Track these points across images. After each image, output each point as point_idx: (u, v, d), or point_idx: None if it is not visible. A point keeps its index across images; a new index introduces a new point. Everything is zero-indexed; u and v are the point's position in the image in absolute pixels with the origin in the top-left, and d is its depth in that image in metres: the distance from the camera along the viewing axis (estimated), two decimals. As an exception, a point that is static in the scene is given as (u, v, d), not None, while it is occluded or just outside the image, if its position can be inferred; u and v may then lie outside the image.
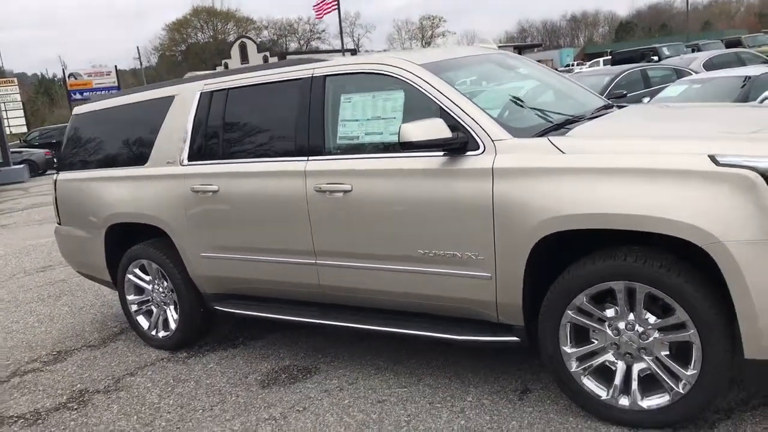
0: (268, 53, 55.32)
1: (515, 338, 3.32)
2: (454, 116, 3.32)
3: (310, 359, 4.32)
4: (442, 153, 3.35)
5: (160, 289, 4.75)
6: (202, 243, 4.31)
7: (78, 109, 5.33)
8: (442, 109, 3.38)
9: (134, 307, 4.94)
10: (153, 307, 4.88)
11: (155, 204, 4.49)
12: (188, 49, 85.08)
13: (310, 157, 3.80)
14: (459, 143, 3.26)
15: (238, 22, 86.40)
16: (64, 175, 5.24)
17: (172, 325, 4.72)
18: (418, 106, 3.51)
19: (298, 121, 3.87)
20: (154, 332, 4.85)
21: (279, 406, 3.72)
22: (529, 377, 3.67)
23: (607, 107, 4.07)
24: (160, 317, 4.84)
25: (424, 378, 3.84)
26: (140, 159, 4.68)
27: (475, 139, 3.25)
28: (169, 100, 4.58)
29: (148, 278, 4.81)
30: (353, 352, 4.32)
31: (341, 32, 36.40)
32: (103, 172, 4.91)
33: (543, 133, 3.28)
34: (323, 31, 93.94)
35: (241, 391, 3.98)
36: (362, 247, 3.62)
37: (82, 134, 5.20)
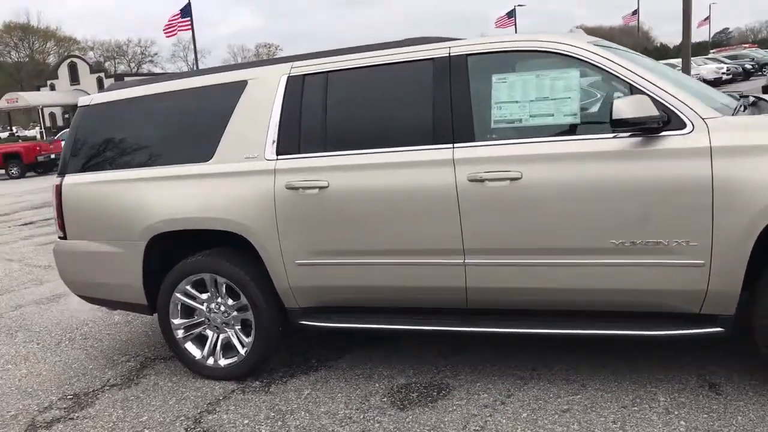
0: (103, 74, 51.58)
1: (719, 329, 3.14)
2: (651, 94, 3.11)
3: (425, 374, 3.85)
4: (629, 134, 3.12)
5: (222, 309, 4.02)
6: (299, 248, 3.70)
7: (88, 100, 4.42)
8: (634, 87, 3.16)
9: (180, 333, 4.13)
10: (208, 331, 4.12)
11: (231, 206, 3.80)
12: (0, 68, 77.07)
13: (457, 144, 3.39)
14: (660, 122, 3.05)
15: (60, 41, 79.91)
16: (73, 179, 4.31)
17: (241, 350, 4.00)
18: (597, 85, 3.28)
19: (436, 104, 3.45)
20: (210, 361, 4.08)
21: (450, 428, 3.23)
22: (697, 371, 3.52)
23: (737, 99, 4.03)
24: (219, 342, 4.08)
25: (586, 383, 3.54)
26: (200, 155, 3.95)
27: (679, 117, 3.07)
28: (239, 86, 3.93)
29: (204, 296, 4.05)
30: (469, 363, 3.93)
31: (195, 52, 34.79)
32: (139, 172, 4.08)
33: (734, 114, 3.18)
34: (155, 54, 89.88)
35: (379, 415, 3.43)
36: (535, 240, 3.28)
37: (98, 129, 4.32)
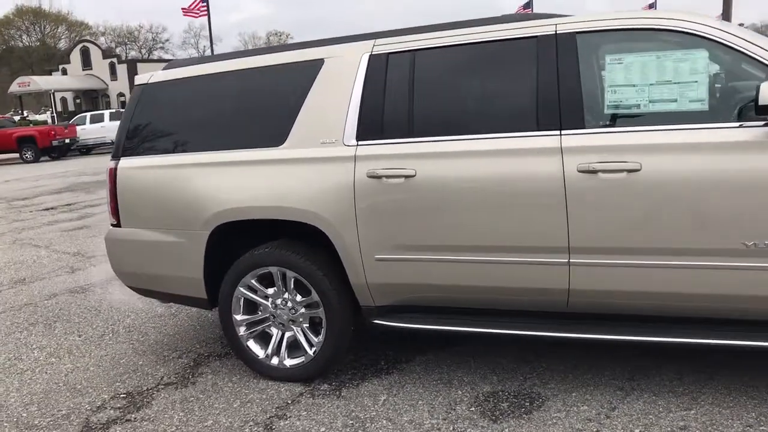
0: (115, 59, 51.31)
1: None
2: None
3: (511, 381, 3.56)
4: (763, 123, 2.80)
5: (289, 305, 3.72)
6: (379, 243, 3.40)
7: (146, 78, 4.11)
8: (775, 71, 2.83)
9: (242, 330, 3.84)
10: (273, 329, 3.82)
11: (306, 195, 3.49)
12: (11, 51, 76.88)
13: (565, 131, 3.08)
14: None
15: (71, 26, 79.68)
16: (129, 162, 4.01)
17: (309, 350, 3.71)
18: (727, 68, 2.96)
19: (541, 87, 3.14)
20: (274, 360, 3.79)
21: (556, 443, 2.93)
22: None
23: None
24: (284, 340, 3.79)
25: (696, 396, 3.24)
26: (271, 139, 3.65)
27: (829, 105, 2.73)
28: (315, 65, 3.61)
29: (270, 291, 3.75)
30: (557, 371, 3.63)
31: (211, 38, 34.43)
32: (203, 156, 3.78)
33: None
34: (167, 40, 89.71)
35: (470, 428, 3.14)
36: (652, 240, 2.96)
37: (158, 110, 4.01)
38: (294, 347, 3.80)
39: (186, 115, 3.92)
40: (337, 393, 3.61)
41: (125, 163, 4.01)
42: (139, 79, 4.12)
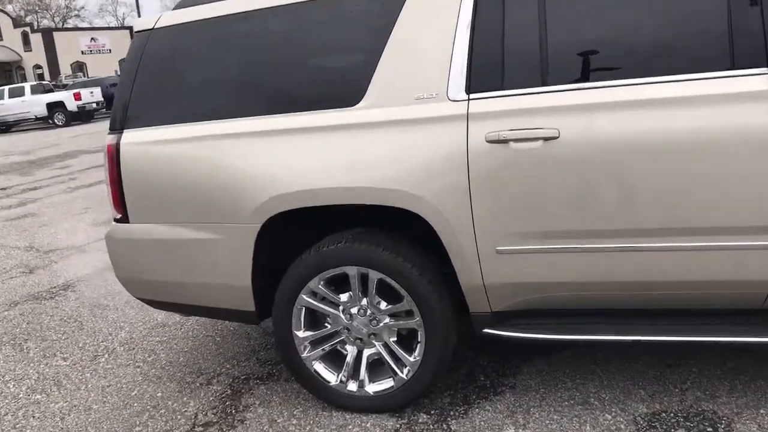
0: (28, 28, 47.65)
1: None
2: None
3: (668, 398, 2.83)
4: None
5: (370, 314, 2.84)
6: (504, 229, 2.54)
7: (150, 22, 3.06)
8: None
9: (306, 350, 2.93)
10: (347, 346, 2.93)
11: (399, 170, 2.59)
12: None
13: (770, 70, 2.27)
14: None
15: (-27, -7, 73.57)
16: (137, 136, 2.99)
17: (400, 371, 2.84)
18: None
19: (736, 10, 2.30)
20: (352, 386, 2.92)
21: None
22: None
23: None
24: (364, 360, 2.91)
25: None
26: (341, 96, 2.71)
27: None
28: (397, -7, 2.67)
29: (343, 297, 2.85)
30: (715, 378, 2.91)
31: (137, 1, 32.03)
32: (244, 124, 2.81)
33: None
34: (82, 8, 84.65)
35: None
36: None
37: (173, 65, 2.99)
38: (376, 369, 2.92)
39: (216, 69, 2.91)
40: (444, 425, 2.77)
41: (131, 137, 2.98)
42: (141, 24, 3.07)
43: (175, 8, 3.04)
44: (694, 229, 2.36)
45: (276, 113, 2.78)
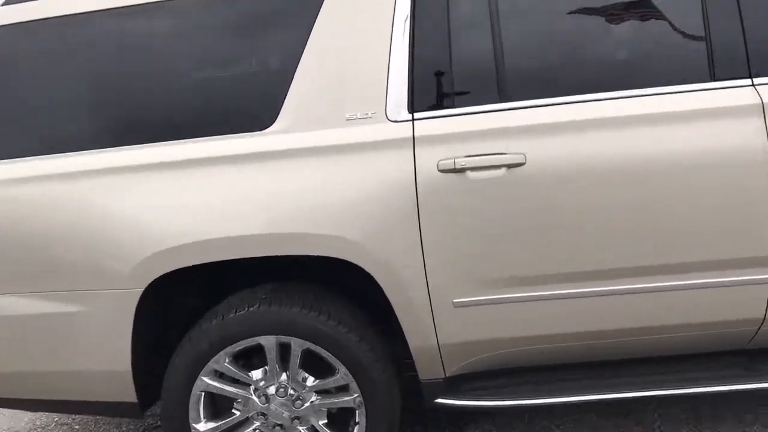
0: None
1: None
2: None
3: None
4: None
5: (291, 393, 2.24)
6: (463, 277, 2.07)
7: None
8: None
9: (207, 447, 2.26)
10: (262, 437, 2.30)
11: (328, 210, 2.05)
12: None
13: (760, 79, 2.01)
14: None
15: None
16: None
17: (333, 464, 2.26)
18: None
19: (712, 17, 2.03)
20: (271, 491, 2.28)
21: None
22: None
23: None
24: (283, 453, 2.30)
25: None
26: (246, 119, 2.12)
27: None
28: (312, -13, 2.14)
29: (256, 375, 2.23)
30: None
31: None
32: (114, 156, 2.12)
33: None
34: None
35: None
36: None
37: (7, 79, 2.22)
38: (299, 461, 2.30)
39: (72, 84, 2.19)
40: None
41: (-54, 178, 2.16)
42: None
43: (4, 4, 2.27)
44: (689, 265, 2.01)
45: (156, 141, 2.11)
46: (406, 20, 2.06)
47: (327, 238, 2.02)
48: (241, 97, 2.10)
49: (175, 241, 2.03)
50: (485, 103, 2.05)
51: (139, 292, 2.08)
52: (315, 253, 2.04)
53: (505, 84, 2.05)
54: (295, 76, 2.08)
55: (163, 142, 2.10)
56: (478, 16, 2.08)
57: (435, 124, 2.05)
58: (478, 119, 2.04)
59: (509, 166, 2.00)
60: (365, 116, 2.06)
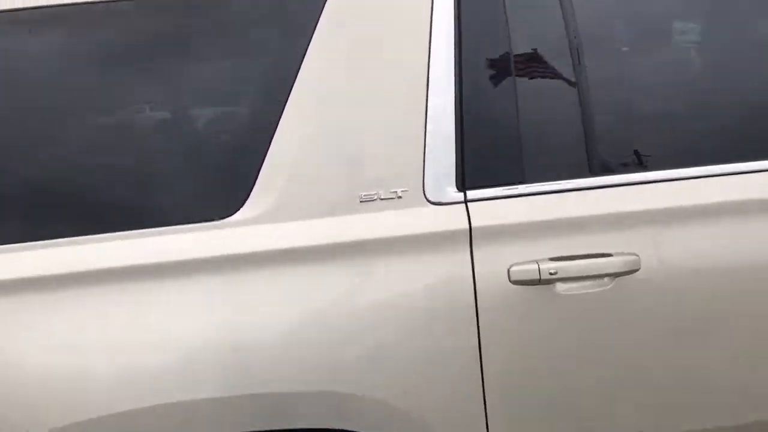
0: None
1: None
2: None
3: None
4: None
5: None
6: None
7: None
8: None
9: None
10: None
11: (339, 350, 1.24)
12: None
13: None
14: None
15: None
16: None
17: None
18: None
19: None
20: None
21: None
22: None
23: None
24: None
25: None
26: (197, 201, 1.29)
27: None
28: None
29: None
30: None
31: None
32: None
33: None
34: None
35: None
36: None
37: None
38: None
39: None
40: None
41: None
42: None
43: None
44: None
45: (42, 239, 1.24)
46: (445, 56, 1.31)
47: (334, 399, 1.22)
48: (191, 165, 1.27)
49: (59, 419, 1.16)
50: (574, 177, 1.33)
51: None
52: (320, 426, 1.22)
53: (595, 150, 1.34)
54: (276, 131, 1.27)
55: (58, 239, 1.23)
56: (550, 43, 1.38)
57: (500, 207, 1.30)
58: (564, 200, 1.31)
59: (616, 275, 1.28)
60: (391, 196, 1.27)
